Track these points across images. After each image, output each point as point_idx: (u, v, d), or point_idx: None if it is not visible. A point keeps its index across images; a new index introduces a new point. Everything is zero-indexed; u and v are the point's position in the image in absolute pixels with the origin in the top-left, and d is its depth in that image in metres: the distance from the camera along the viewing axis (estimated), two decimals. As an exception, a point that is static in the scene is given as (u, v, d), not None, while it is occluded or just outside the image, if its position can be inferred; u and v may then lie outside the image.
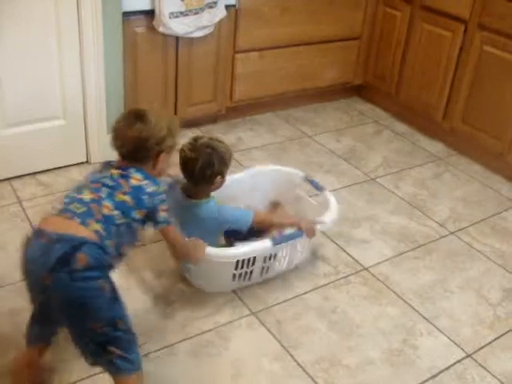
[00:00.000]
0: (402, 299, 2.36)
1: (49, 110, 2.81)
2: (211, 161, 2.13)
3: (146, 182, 1.75)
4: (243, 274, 2.25)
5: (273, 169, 2.70)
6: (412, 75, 3.64)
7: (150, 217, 1.78)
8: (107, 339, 1.61)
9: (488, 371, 2.07)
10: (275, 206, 2.60)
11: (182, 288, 2.29)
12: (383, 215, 2.86)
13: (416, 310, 2.31)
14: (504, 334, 2.24)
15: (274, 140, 3.45)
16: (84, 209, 1.64)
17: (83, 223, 1.61)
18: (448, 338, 2.20)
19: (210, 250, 2.10)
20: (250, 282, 2.31)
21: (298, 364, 2.02)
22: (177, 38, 3.06)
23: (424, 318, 2.28)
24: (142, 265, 2.39)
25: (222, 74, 3.35)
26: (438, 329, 2.23)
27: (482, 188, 3.21)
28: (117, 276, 2.26)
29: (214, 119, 3.54)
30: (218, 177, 2.18)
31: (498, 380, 2.04)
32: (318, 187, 2.56)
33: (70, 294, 1.55)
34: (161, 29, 2.92)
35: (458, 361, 2.11)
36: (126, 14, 2.85)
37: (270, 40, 3.44)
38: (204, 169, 2.12)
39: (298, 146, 3.43)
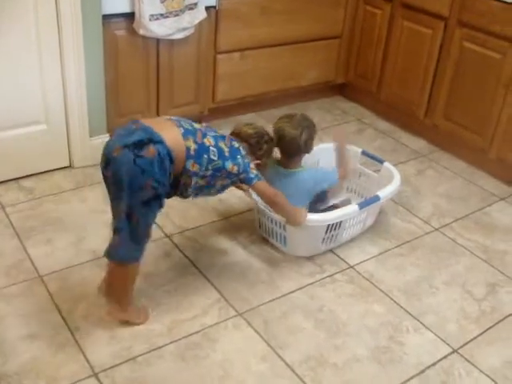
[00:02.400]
0: (388, 296, 2.37)
1: (30, 115, 2.79)
2: (312, 134, 2.48)
3: (242, 149, 2.12)
4: (330, 238, 2.51)
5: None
6: (393, 73, 3.66)
7: (243, 177, 2.10)
8: (119, 226, 1.89)
9: (474, 366, 2.09)
10: None
11: (169, 290, 2.28)
12: (368, 213, 2.87)
13: (402, 307, 2.32)
14: (489, 328, 2.26)
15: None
16: (190, 128, 1.98)
17: (184, 135, 1.92)
18: (434, 334, 2.21)
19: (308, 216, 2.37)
20: (334, 244, 2.58)
21: (286, 364, 2.02)
22: (157, 40, 3.05)
23: (410, 314, 2.29)
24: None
25: (203, 76, 3.35)
26: (424, 325, 2.24)
27: (465, 184, 3.23)
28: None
29: (197, 120, 3.52)
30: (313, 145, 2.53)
31: (485, 374, 2.06)
32: (378, 160, 2.87)
33: (125, 171, 1.80)
34: (141, 31, 2.91)
35: (445, 356, 2.12)
36: (106, 17, 2.83)
37: (251, 40, 3.44)
38: (307, 141, 2.45)
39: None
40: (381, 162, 2.85)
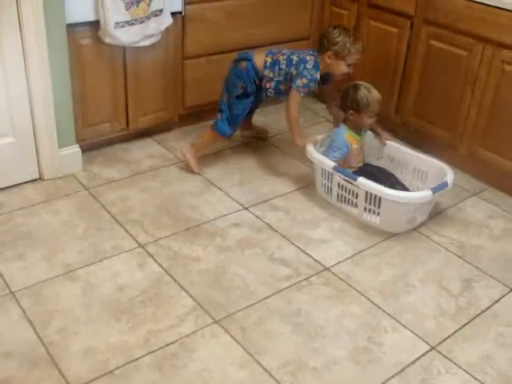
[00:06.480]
0: (365, 297, 2.37)
1: (-4, 128, 2.75)
2: (347, 95, 2.91)
3: (311, 62, 2.92)
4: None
5: (417, 155, 3.07)
6: (362, 72, 3.65)
7: (294, 78, 2.92)
8: (221, 108, 3.06)
9: (453, 362, 2.09)
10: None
11: (143, 300, 2.26)
12: (341, 214, 2.87)
13: (379, 307, 2.32)
14: (466, 323, 2.27)
15: (228, 145, 3.42)
16: (274, 50, 3.02)
17: (266, 54, 2.99)
18: (412, 332, 2.21)
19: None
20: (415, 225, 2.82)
21: (265, 369, 2.01)
22: (124, 48, 3.02)
23: (387, 314, 2.29)
24: (102, 279, 2.35)
25: (171, 82, 3.33)
26: (401, 324, 2.24)
27: (438, 180, 3.24)
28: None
29: (167, 127, 3.51)
30: (350, 111, 2.90)
31: (463, 370, 2.06)
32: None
33: (229, 75, 3.04)
34: (107, 39, 2.88)
35: (423, 354, 2.12)
36: (71, 26, 2.79)
37: (219, 45, 3.43)
38: (342, 98, 2.94)
39: (253, 149, 3.42)
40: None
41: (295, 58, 2.93)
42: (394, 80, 3.50)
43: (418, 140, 3.51)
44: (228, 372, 1.99)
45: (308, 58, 2.92)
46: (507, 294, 2.44)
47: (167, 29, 3.10)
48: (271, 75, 2.95)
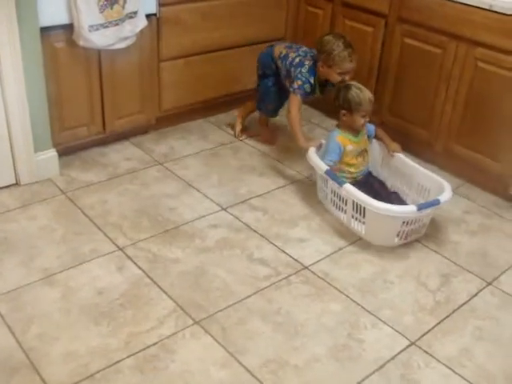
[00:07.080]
0: (344, 294, 2.38)
1: (-29, 134, 2.72)
2: (339, 95, 2.88)
3: (307, 66, 3.07)
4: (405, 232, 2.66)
5: (420, 170, 2.92)
6: (338, 72, 3.69)
7: (291, 82, 3.10)
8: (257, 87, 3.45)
9: (432, 356, 2.12)
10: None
11: (123, 303, 2.25)
12: (319, 213, 2.89)
13: (358, 304, 2.33)
14: (445, 318, 2.29)
15: (206, 146, 3.43)
16: (293, 47, 3.25)
17: (285, 48, 3.23)
18: (391, 327, 2.23)
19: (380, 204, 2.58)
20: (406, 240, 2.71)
21: (246, 369, 2.01)
22: (99, 51, 3.01)
23: (367, 310, 2.31)
24: (81, 283, 2.34)
25: (148, 84, 3.32)
26: (381, 320, 2.26)
27: (414, 177, 3.27)
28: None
29: (144, 130, 3.50)
30: (342, 111, 2.87)
31: (442, 364, 2.09)
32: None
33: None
34: (81, 42, 2.87)
35: (403, 349, 2.14)
36: (45, 30, 2.77)
37: (195, 46, 3.43)
38: (335, 99, 2.91)
39: (230, 150, 3.43)
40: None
41: (297, 60, 3.10)
42: (369, 79, 3.52)
43: (396, 139, 3.52)
44: (209, 372, 1.99)
45: (306, 62, 3.07)
46: (484, 288, 2.47)
47: (142, 31, 3.09)
48: (280, 65, 3.20)
